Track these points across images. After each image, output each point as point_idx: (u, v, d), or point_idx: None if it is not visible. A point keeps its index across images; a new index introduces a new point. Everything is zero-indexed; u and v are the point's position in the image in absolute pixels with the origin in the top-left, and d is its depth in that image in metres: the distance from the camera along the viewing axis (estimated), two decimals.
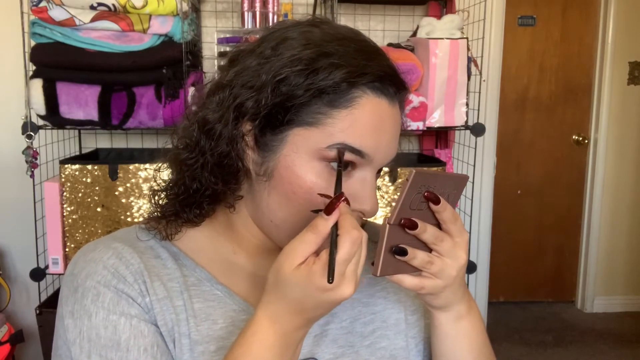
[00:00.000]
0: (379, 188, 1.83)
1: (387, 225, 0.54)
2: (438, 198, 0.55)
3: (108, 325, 0.56)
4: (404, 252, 0.54)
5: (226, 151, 0.56)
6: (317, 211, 0.55)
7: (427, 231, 0.55)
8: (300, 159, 0.55)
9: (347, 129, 0.55)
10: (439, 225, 0.57)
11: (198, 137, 0.58)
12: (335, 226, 0.50)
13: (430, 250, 0.57)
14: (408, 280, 0.57)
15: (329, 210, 0.50)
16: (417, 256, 0.55)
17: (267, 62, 0.55)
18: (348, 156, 0.55)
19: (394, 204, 2.01)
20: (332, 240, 0.49)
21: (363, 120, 0.55)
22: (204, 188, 0.59)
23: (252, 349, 0.52)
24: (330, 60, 0.54)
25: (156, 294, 0.59)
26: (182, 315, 0.59)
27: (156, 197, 0.64)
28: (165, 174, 0.64)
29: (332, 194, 0.54)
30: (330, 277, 0.48)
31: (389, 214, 0.54)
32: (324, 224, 0.50)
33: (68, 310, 0.58)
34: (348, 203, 0.52)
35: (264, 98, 0.54)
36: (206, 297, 0.61)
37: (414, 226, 0.54)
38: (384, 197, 1.86)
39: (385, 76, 0.56)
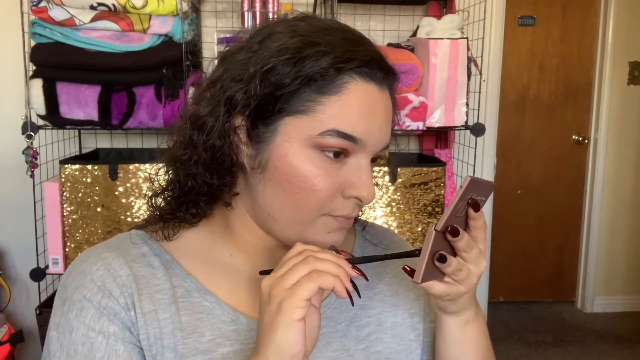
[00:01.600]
0: (377, 185, 1.83)
1: (434, 232, 0.53)
2: (479, 205, 0.55)
3: (85, 342, 0.56)
4: (444, 259, 0.54)
5: (219, 145, 0.56)
6: (265, 272, 0.56)
7: (463, 239, 0.55)
8: (293, 147, 0.55)
9: (337, 114, 0.55)
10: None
11: (191, 132, 0.58)
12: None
13: (454, 255, 0.56)
14: (437, 286, 0.57)
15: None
16: (452, 263, 0.55)
17: (254, 55, 0.56)
18: (340, 142, 0.55)
19: (394, 204, 1.99)
20: None
21: (353, 106, 0.55)
22: (199, 185, 0.59)
23: None
24: (317, 48, 0.54)
25: (142, 307, 0.58)
26: (168, 328, 0.59)
27: (153, 199, 0.64)
28: (162, 178, 0.64)
29: (330, 185, 0.56)
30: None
31: (437, 221, 0.54)
32: None
33: (55, 322, 0.59)
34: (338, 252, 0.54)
35: (253, 89, 0.54)
36: (194, 310, 0.61)
37: (458, 234, 0.54)
38: (382, 197, 1.86)
39: (372, 61, 0.56)
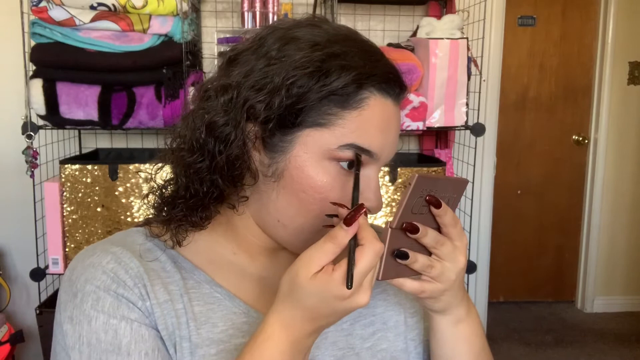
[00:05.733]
0: None
1: (389, 229, 0.54)
2: (439, 202, 0.55)
3: (108, 330, 0.55)
4: (405, 256, 0.55)
5: (236, 154, 0.56)
6: (331, 216, 0.56)
7: (428, 235, 0.55)
8: (311, 159, 0.56)
9: (357, 129, 0.56)
10: (438, 229, 0.57)
11: (206, 140, 0.57)
12: (354, 236, 0.51)
13: (430, 253, 0.57)
14: (409, 283, 0.57)
15: (349, 221, 0.50)
16: (418, 260, 0.55)
17: (275, 64, 0.55)
18: None
19: (394, 204, 2.00)
20: (351, 250, 0.50)
21: (372, 121, 0.56)
22: (212, 191, 0.58)
23: (264, 355, 0.52)
24: (340, 62, 0.55)
25: (157, 297, 0.58)
26: (183, 318, 0.59)
27: (155, 200, 0.63)
28: (159, 177, 0.63)
29: (345, 196, 0.56)
30: (350, 284, 0.49)
31: (391, 218, 0.55)
32: (344, 235, 0.50)
33: (67, 315, 0.57)
34: (366, 214, 0.52)
35: (277, 101, 0.54)
36: (206, 300, 0.61)
37: (416, 230, 0.54)
38: (382, 197, 1.86)
39: (391, 77, 0.58)
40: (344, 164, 0.56)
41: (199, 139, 0.57)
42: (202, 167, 0.57)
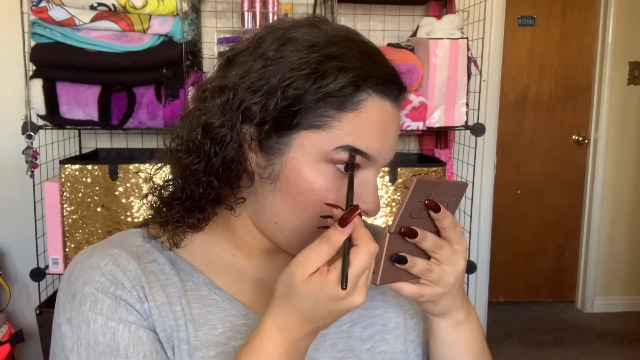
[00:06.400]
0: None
1: (388, 234, 0.54)
2: (438, 206, 0.55)
3: (107, 332, 0.55)
4: (403, 260, 0.55)
5: (232, 156, 0.56)
6: (326, 217, 0.56)
7: (426, 239, 0.55)
8: (307, 161, 0.56)
9: (354, 131, 0.55)
10: (437, 232, 0.57)
11: (202, 141, 0.57)
12: (349, 237, 0.51)
13: (429, 257, 0.57)
14: (408, 288, 0.57)
15: (343, 222, 0.50)
16: (416, 264, 0.55)
17: (272, 65, 0.55)
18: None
19: (394, 204, 2.00)
20: (346, 250, 0.50)
21: (369, 123, 0.56)
22: (208, 192, 0.58)
23: (260, 358, 0.52)
24: (337, 64, 0.54)
25: (155, 300, 0.58)
26: (181, 320, 0.59)
27: (153, 201, 0.63)
28: (159, 177, 0.63)
29: (342, 198, 0.55)
30: (344, 284, 0.48)
31: (390, 222, 0.54)
32: (339, 236, 0.50)
33: (65, 317, 0.57)
34: (360, 215, 0.52)
35: (273, 102, 0.54)
36: (204, 302, 0.61)
37: (414, 235, 0.54)
38: (382, 197, 1.86)
39: (389, 79, 0.57)
40: (341, 167, 0.56)
41: (195, 140, 0.57)
42: (198, 169, 0.57)
